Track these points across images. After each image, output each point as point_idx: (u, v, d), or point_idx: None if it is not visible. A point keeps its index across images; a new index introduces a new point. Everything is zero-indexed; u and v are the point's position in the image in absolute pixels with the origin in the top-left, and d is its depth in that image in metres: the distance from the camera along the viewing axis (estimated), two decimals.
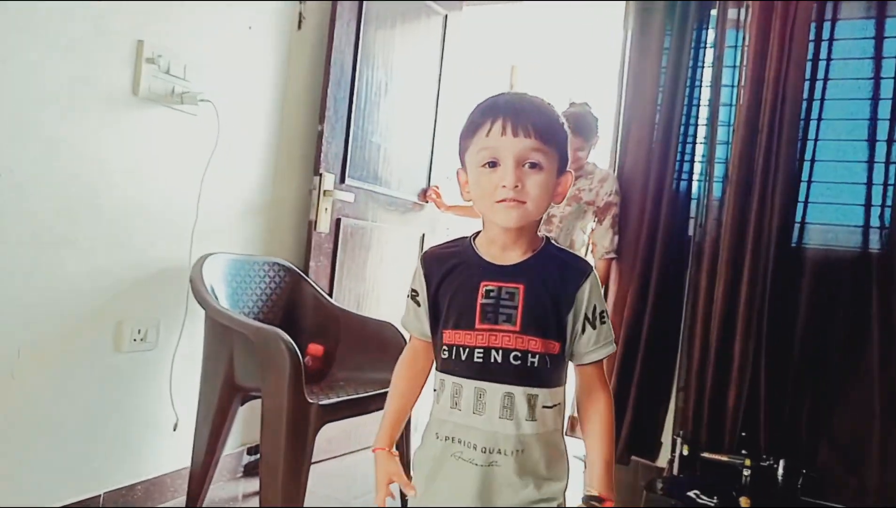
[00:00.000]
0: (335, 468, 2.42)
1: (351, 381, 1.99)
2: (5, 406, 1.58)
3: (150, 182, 1.87)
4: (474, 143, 0.96)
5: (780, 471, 1.98)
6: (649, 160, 2.39)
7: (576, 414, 1.38)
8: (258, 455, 2.05)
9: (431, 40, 2.85)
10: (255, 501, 2.05)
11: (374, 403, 1.87)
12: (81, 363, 1.75)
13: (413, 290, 1.07)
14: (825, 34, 2.18)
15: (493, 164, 0.94)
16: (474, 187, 0.98)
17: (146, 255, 1.89)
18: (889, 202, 2.08)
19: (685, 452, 2.09)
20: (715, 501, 1.97)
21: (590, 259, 2.48)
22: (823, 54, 2.18)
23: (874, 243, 2.10)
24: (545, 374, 0.96)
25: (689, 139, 2.40)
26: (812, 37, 2.17)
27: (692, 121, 2.40)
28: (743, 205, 2.20)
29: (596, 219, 2.49)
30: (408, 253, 2.85)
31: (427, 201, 2.88)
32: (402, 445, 1.98)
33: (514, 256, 0.99)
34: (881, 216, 2.09)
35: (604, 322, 1.00)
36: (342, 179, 2.42)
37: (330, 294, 2.37)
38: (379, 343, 2.05)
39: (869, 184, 2.11)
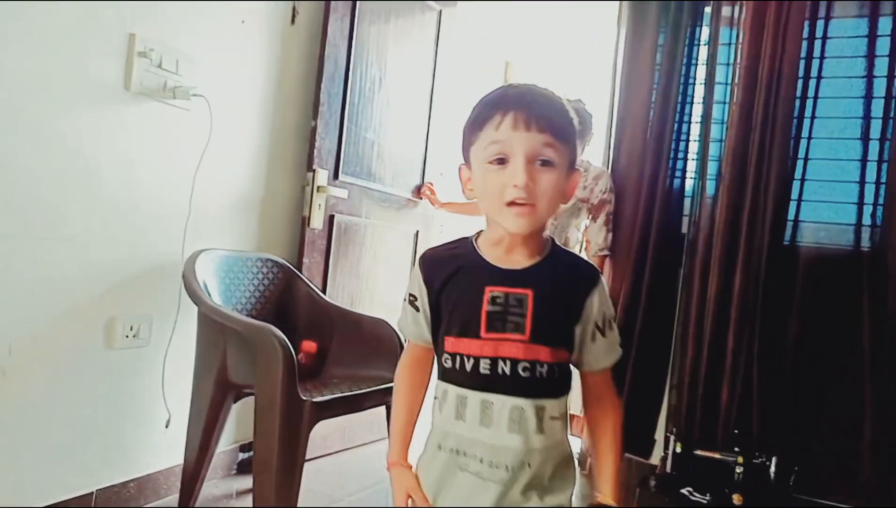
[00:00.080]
0: (329, 465, 2.42)
1: (345, 378, 1.98)
2: None
3: (143, 177, 1.86)
4: (482, 137, 0.90)
5: (773, 468, 1.99)
6: (643, 158, 2.40)
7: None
8: (252, 453, 2.04)
9: (426, 36, 2.84)
10: (249, 499, 2.04)
11: (368, 400, 1.86)
12: (73, 359, 1.74)
13: (411, 295, 1.01)
14: (818, 32, 2.19)
15: (501, 160, 0.88)
16: (480, 185, 0.92)
17: (138, 251, 1.87)
18: (881, 201, 2.09)
19: (678, 449, 2.10)
20: (708, 498, 1.98)
21: (584, 256, 2.50)
22: (817, 52, 2.19)
23: (866, 242, 2.11)
24: (554, 384, 0.92)
25: (683, 137, 2.41)
26: (805, 35, 2.18)
27: (686, 118, 2.41)
28: (736, 203, 2.20)
29: (590, 216, 2.50)
30: (402, 250, 2.85)
31: (421, 198, 2.87)
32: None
33: (520, 259, 0.94)
34: (873, 215, 2.11)
35: (612, 328, 0.97)
36: (336, 176, 2.41)
37: (323, 291, 2.37)
38: (373, 340, 2.04)
39: (861, 182, 2.13)
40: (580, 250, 2.56)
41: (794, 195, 2.20)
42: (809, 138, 2.20)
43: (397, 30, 2.66)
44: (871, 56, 2.13)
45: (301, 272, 2.26)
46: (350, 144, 2.47)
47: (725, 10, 2.31)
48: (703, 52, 2.39)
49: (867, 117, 2.13)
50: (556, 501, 0.93)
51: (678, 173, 2.42)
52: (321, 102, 2.31)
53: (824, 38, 2.19)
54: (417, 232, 2.90)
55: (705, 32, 2.39)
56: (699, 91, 2.39)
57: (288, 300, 2.17)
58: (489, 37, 3.92)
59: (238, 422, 2.20)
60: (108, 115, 1.75)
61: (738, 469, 2.00)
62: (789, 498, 2.01)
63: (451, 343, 0.94)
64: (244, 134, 2.19)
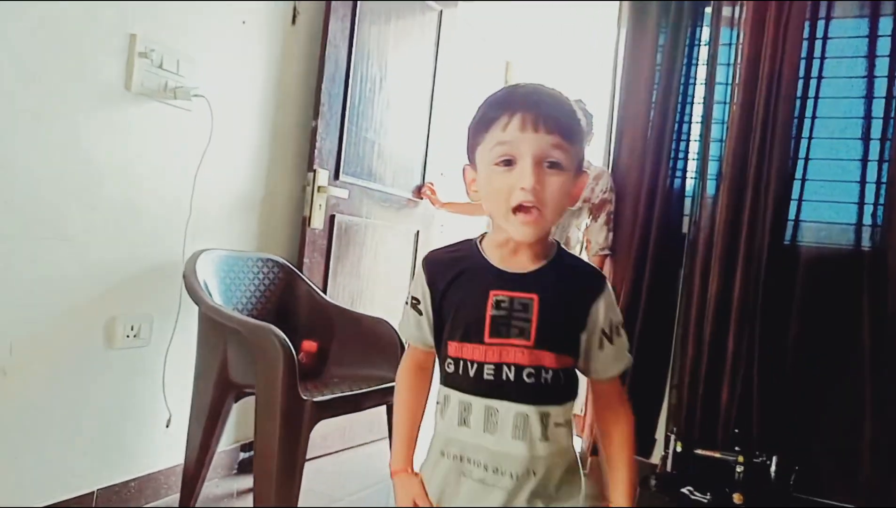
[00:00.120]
0: (330, 465, 2.42)
1: (345, 378, 1.98)
2: None
3: (143, 177, 1.86)
4: (488, 138, 0.88)
5: (773, 467, 1.99)
6: (643, 158, 2.40)
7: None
8: (252, 452, 2.05)
9: (426, 36, 2.84)
10: (250, 498, 2.05)
11: (368, 400, 1.86)
12: (74, 359, 1.74)
13: (413, 298, 0.99)
14: (819, 32, 2.19)
15: (508, 162, 0.86)
16: (486, 187, 0.90)
17: (139, 250, 1.88)
18: (882, 200, 2.09)
19: (679, 449, 2.10)
20: (708, 497, 1.98)
21: (584, 256, 2.50)
22: (817, 53, 2.19)
23: (866, 241, 2.12)
24: (559, 391, 0.91)
25: (684, 137, 2.41)
26: (806, 35, 2.18)
27: (686, 119, 2.41)
28: (737, 203, 2.21)
29: (591, 216, 2.50)
30: (402, 250, 2.85)
31: (422, 198, 2.88)
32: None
33: (525, 262, 0.92)
34: (874, 214, 2.11)
35: (620, 335, 0.94)
36: (336, 176, 2.42)
37: (324, 291, 2.37)
38: (373, 340, 2.04)
39: (862, 182, 2.13)
40: (581, 250, 2.56)
41: (795, 195, 2.20)
42: (810, 138, 2.20)
43: (398, 30, 2.66)
44: (871, 56, 2.14)
45: (302, 272, 2.26)
46: (351, 144, 2.47)
47: (726, 11, 2.31)
48: (703, 53, 2.39)
49: (868, 117, 2.13)
50: None
51: (679, 173, 2.42)
52: (322, 103, 2.32)
53: (825, 38, 2.19)
54: (418, 232, 2.91)
55: (706, 33, 2.39)
56: (699, 91, 2.39)
57: (288, 300, 2.18)
58: (490, 37, 3.92)
59: (238, 422, 2.20)
60: (108, 115, 1.75)
61: (739, 469, 2.00)
62: (789, 498, 2.01)
63: (454, 348, 0.92)
64: (245, 134, 2.20)
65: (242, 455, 2.29)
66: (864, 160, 2.13)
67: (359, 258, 2.60)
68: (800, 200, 2.20)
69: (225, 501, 2.07)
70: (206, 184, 2.03)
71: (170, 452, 1.99)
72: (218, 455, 2.00)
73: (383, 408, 1.90)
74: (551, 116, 0.85)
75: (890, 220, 2.05)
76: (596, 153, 2.66)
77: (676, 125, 2.39)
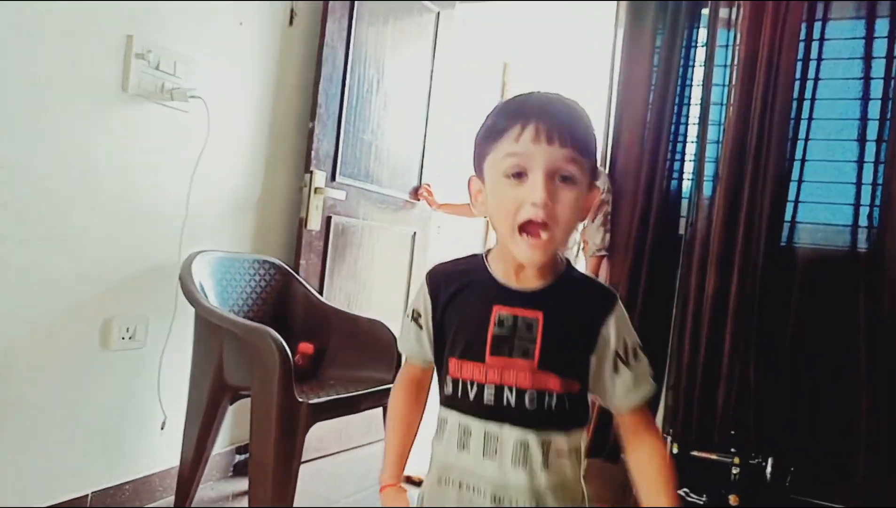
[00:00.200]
0: (325, 467, 2.41)
1: (341, 380, 1.98)
2: None
3: (140, 179, 1.86)
4: (498, 149, 0.83)
5: (769, 469, 1.99)
6: (640, 159, 2.40)
7: None
8: (248, 455, 2.04)
9: (423, 38, 2.84)
10: (245, 501, 2.04)
11: (364, 402, 1.86)
12: (69, 361, 1.73)
13: (415, 311, 0.95)
14: (815, 34, 2.19)
15: (519, 174, 0.81)
16: (493, 201, 0.85)
17: (135, 252, 1.87)
18: (878, 202, 2.09)
19: (675, 450, 2.10)
20: (704, 499, 1.98)
21: (581, 257, 2.50)
22: (814, 54, 2.20)
23: (862, 243, 2.12)
24: (564, 417, 0.86)
25: (680, 138, 2.41)
26: (803, 37, 2.18)
27: (683, 120, 2.41)
28: (733, 204, 2.21)
29: (588, 217, 2.50)
30: (399, 251, 2.85)
31: (419, 199, 2.87)
32: None
33: (532, 278, 0.87)
34: (870, 216, 2.11)
35: (637, 358, 0.87)
36: (333, 177, 2.41)
37: (320, 292, 2.36)
38: (370, 342, 2.04)
39: (858, 183, 2.13)
40: (578, 251, 2.56)
41: (791, 196, 2.20)
42: (807, 140, 2.20)
43: (395, 31, 2.66)
44: (867, 58, 2.14)
45: (298, 274, 2.26)
46: (348, 145, 2.47)
47: (723, 12, 2.31)
48: (700, 54, 2.39)
49: (864, 119, 2.13)
50: None
51: (675, 175, 2.42)
52: (319, 104, 2.31)
53: (821, 39, 2.20)
54: (415, 233, 2.90)
55: (703, 34, 2.39)
56: (696, 93, 2.39)
57: (285, 302, 2.17)
58: (487, 38, 3.92)
59: (234, 424, 2.20)
60: (105, 116, 1.74)
61: (735, 470, 2.00)
62: (786, 499, 2.01)
63: (454, 366, 0.89)
64: (242, 135, 2.19)
65: (238, 458, 2.28)
66: (861, 162, 2.13)
67: (355, 260, 2.59)
68: (796, 201, 2.20)
69: (220, 503, 2.07)
70: (202, 185, 2.02)
71: (165, 454, 1.99)
72: (213, 457, 1.99)
73: (379, 410, 1.90)
74: (566, 129, 0.80)
75: (886, 221, 2.05)
76: None
77: (673, 126, 2.39)
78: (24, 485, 1.65)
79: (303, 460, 1.71)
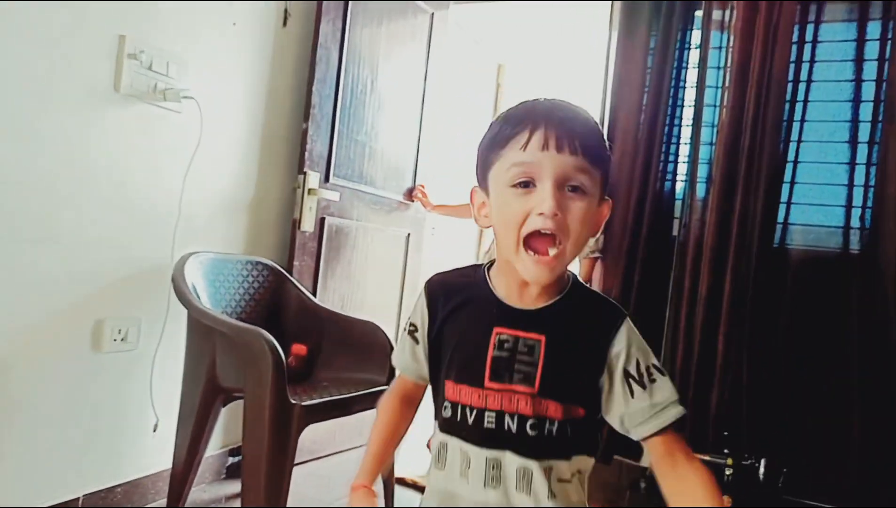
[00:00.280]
0: (318, 469, 2.41)
1: (335, 382, 1.97)
2: None
3: (132, 180, 1.85)
4: (504, 157, 0.78)
5: (762, 470, 1.99)
6: (634, 160, 2.41)
7: None
8: (241, 457, 2.03)
9: (418, 39, 2.84)
10: (239, 503, 2.03)
11: (357, 404, 1.86)
12: (61, 363, 1.72)
13: (412, 324, 0.92)
14: (808, 36, 2.20)
15: (526, 184, 0.76)
16: (498, 212, 0.80)
17: (127, 253, 1.86)
18: (870, 204, 2.10)
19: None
20: None
21: (575, 259, 2.50)
22: (807, 56, 2.20)
23: (854, 244, 2.12)
24: (565, 444, 0.81)
25: (674, 140, 2.41)
26: (795, 39, 2.19)
27: (676, 122, 2.42)
28: (726, 205, 2.21)
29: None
30: (393, 253, 2.84)
31: (413, 201, 2.87)
32: None
33: (535, 296, 0.83)
34: (861, 218, 2.12)
35: (653, 379, 0.81)
36: (327, 178, 2.41)
37: (314, 294, 2.36)
38: (363, 344, 2.03)
39: (850, 185, 2.14)
40: None
41: (784, 198, 2.21)
42: (799, 141, 2.21)
43: (389, 32, 2.65)
44: (859, 60, 2.15)
45: (291, 275, 2.25)
46: (341, 146, 2.46)
47: (716, 14, 2.31)
48: (693, 56, 2.40)
49: (855, 121, 2.14)
50: None
51: (669, 176, 2.42)
52: (312, 105, 2.31)
53: (814, 42, 2.20)
54: (409, 235, 2.90)
55: (696, 36, 2.39)
56: (690, 94, 2.40)
57: (278, 303, 2.17)
58: (481, 39, 3.92)
59: (227, 426, 2.19)
60: (97, 116, 1.74)
61: (728, 471, 2.00)
62: (778, 500, 2.01)
63: (451, 390, 0.84)
64: (235, 136, 2.19)
65: (230, 460, 2.27)
66: (852, 163, 2.14)
67: (349, 261, 2.59)
68: (788, 202, 2.21)
69: (213, 506, 2.06)
70: (195, 186, 2.02)
71: (157, 456, 1.98)
72: (206, 459, 1.98)
73: (373, 412, 1.89)
74: (577, 136, 0.76)
75: (878, 223, 2.06)
76: None
77: (667, 128, 2.39)
78: (15, 488, 1.64)
79: (296, 462, 1.70)
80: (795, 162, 2.21)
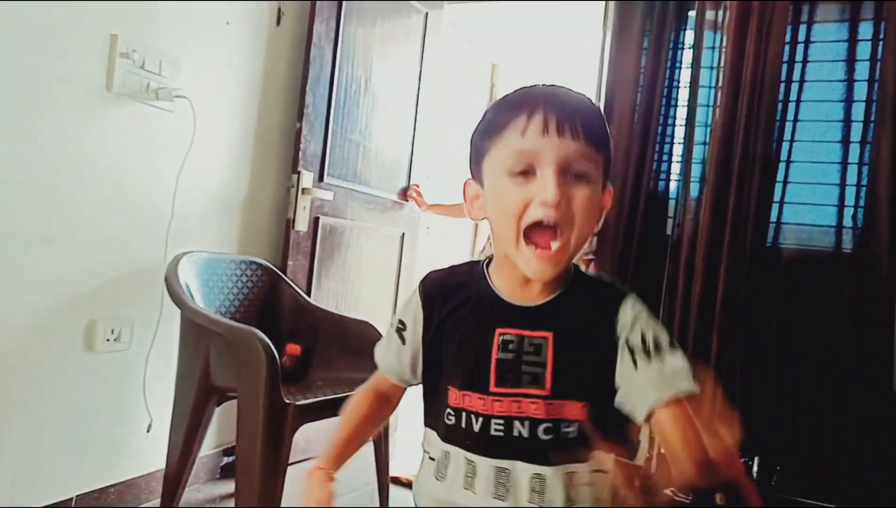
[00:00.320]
0: None
1: (329, 381, 1.97)
2: None
3: (125, 179, 1.84)
4: (501, 144, 0.73)
5: (755, 468, 2.00)
6: (627, 160, 2.41)
7: None
8: (235, 457, 2.03)
9: (412, 38, 2.83)
10: (233, 503, 2.03)
11: None
12: (53, 363, 1.71)
13: (401, 322, 0.86)
14: (801, 36, 2.21)
15: (525, 172, 0.71)
16: (495, 204, 0.75)
17: (120, 253, 1.85)
18: (862, 203, 2.11)
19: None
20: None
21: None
22: (799, 56, 2.22)
23: (847, 244, 2.14)
24: (586, 445, 0.75)
25: (667, 139, 2.42)
26: (788, 39, 2.20)
27: (670, 121, 2.42)
28: (719, 205, 2.22)
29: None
30: (388, 252, 2.84)
31: (407, 200, 2.87)
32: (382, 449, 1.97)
33: (538, 291, 0.77)
34: (854, 217, 2.13)
35: (663, 352, 0.72)
36: (321, 178, 2.40)
37: (308, 293, 2.35)
38: (358, 343, 2.03)
39: (842, 185, 2.15)
40: None
41: (777, 197, 2.22)
42: (792, 141, 2.22)
43: (383, 31, 2.65)
44: (851, 60, 2.16)
45: (285, 275, 2.25)
46: (335, 145, 2.46)
47: (709, 14, 2.32)
48: (687, 56, 2.40)
49: (848, 120, 2.15)
50: None
51: (662, 176, 2.43)
52: (306, 104, 2.30)
53: (807, 42, 2.21)
54: (403, 234, 2.90)
55: (690, 36, 2.40)
56: (683, 94, 2.40)
57: (272, 303, 2.16)
58: (476, 39, 3.93)
59: (221, 426, 2.18)
60: (89, 116, 1.73)
61: None
62: (772, 498, 2.02)
63: (454, 396, 0.78)
64: (228, 136, 2.18)
65: (225, 460, 2.27)
66: (845, 163, 2.15)
67: (343, 261, 2.58)
68: (781, 202, 2.22)
69: (207, 506, 2.06)
70: (188, 186, 2.01)
71: (151, 457, 1.97)
72: (200, 459, 1.98)
73: None
74: (578, 119, 0.71)
75: (870, 222, 2.07)
76: None
77: (660, 128, 2.40)
78: (7, 488, 1.63)
79: (290, 461, 1.70)
80: (788, 161, 2.22)
